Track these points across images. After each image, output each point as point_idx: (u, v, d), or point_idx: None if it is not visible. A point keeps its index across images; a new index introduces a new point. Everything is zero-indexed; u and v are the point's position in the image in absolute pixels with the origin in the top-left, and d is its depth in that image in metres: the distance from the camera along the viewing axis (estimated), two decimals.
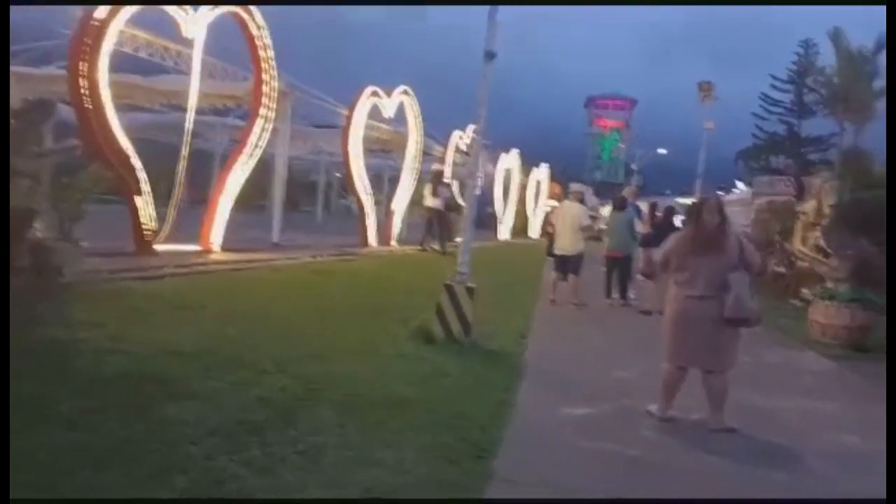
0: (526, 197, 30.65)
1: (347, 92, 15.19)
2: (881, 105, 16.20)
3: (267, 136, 10.71)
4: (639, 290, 10.80)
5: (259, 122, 10.55)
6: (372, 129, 16.20)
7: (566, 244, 10.68)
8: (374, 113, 15.41)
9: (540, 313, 9.58)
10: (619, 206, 11.15)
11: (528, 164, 31.85)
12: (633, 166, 44.96)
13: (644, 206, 12.03)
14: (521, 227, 30.49)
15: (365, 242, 15.29)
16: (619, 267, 10.79)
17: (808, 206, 11.99)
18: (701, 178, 23.74)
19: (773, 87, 34.06)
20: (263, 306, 7.00)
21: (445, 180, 15.90)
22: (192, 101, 10.02)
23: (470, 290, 6.53)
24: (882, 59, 15.87)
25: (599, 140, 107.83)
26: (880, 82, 15.83)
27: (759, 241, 16.27)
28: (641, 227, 10.90)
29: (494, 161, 26.20)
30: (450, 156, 18.75)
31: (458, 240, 20.85)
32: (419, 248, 15.21)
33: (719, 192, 35.90)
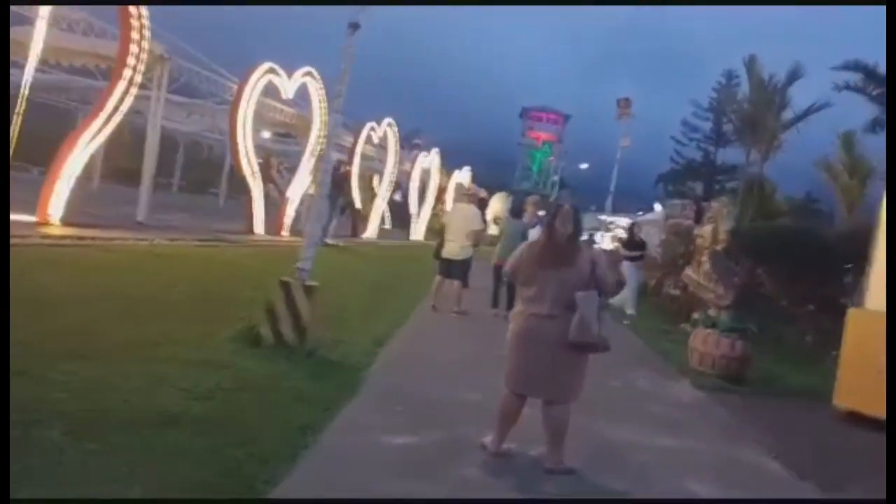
0: (444, 199, 30.05)
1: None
2: (786, 136, 16.46)
3: (130, 100, 9.60)
4: None
5: (121, 85, 9.44)
6: (272, 110, 15.22)
7: (454, 248, 10.05)
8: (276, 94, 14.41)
9: (414, 320, 8.88)
10: (516, 213, 10.59)
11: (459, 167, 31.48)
12: (555, 176, 45.18)
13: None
14: (440, 228, 29.67)
15: (250, 230, 14.23)
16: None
17: (706, 229, 11.74)
18: (612, 195, 23.76)
19: (695, 114, 34.63)
20: (57, 290, 5.97)
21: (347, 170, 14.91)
22: (35, 52, 8.83)
23: (309, 289, 5.73)
24: (793, 90, 16.16)
25: (531, 151, 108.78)
26: (788, 113, 16.11)
27: (665, 262, 16.22)
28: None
29: (414, 160, 25.48)
30: (359, 147, 17.92)
31: (366, 235, 20.41)
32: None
33: (639, 213, 36.49)
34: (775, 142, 16.11)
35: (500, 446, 4.40)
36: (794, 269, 12.59)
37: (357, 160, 17.67)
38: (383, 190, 20.30)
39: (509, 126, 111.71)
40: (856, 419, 6.81)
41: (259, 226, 14.38)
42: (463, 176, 31.20)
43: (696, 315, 8.83)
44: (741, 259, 14.23)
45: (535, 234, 10.42)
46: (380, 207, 20.24)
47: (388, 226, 25.78)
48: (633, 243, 14.38)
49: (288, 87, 14.06)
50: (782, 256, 12.27)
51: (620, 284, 4.61)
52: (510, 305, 10.17)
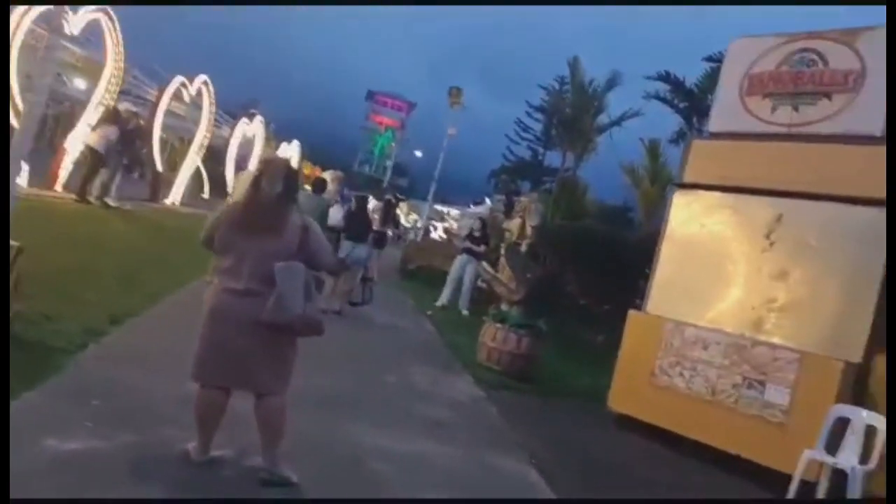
0: None
1: None
2: (601, 140, 17.01)
3: None
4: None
5: None
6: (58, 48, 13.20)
7: None
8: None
9: (187, 298, 7.76)
10: (316, 187, 9.73)
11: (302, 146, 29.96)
12: (388, 162, 44.59)
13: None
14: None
15: None
16: None
17: (514, 223, 11.64)
18: (436, 182, 23.66)
19: (528, 114, 35.45)
20: None
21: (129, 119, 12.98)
22: None
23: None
24: (612, 96, 16.67)
25: (373, 135, 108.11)
26: (604, 118, 16.65)
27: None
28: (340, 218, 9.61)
29: (234, 127, 23.73)
30: (163, 102, 16.11)
31: (168, 201, 18.58)
32: (76, 197, 11.99)
33: (470, 206, 36.90)
34: (590, 144, 16.58)
35: (206, 453, 3.60)
36: (596, 270, 12.86)
37: (160, 117, 15.89)
38: (192, 153, 18.55)
39: (354, 109, 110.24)
40: (628, 423, 6.74)
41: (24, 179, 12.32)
42: (291, 150, 29.66)
43: (492, 309, 8.53)
44: (549, 256, 14.43)
45: (336, 213, 9.71)
46: (186, 171, 18.48)
47: (206, 194, 23.77)
48: (477, 236, 13.67)
49: (74, 22, 12.16)
50: (585, 256, 12.46)
51: (342, 264, 3.96)
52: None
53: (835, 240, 6.10)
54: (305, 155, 34.52)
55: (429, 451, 4.71)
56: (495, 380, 7.42)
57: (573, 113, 16.47)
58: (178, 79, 16.79)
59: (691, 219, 7.10)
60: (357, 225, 9.06)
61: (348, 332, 8.17)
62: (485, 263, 8.45)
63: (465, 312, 12.03)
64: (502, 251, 8.19)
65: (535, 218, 11.39)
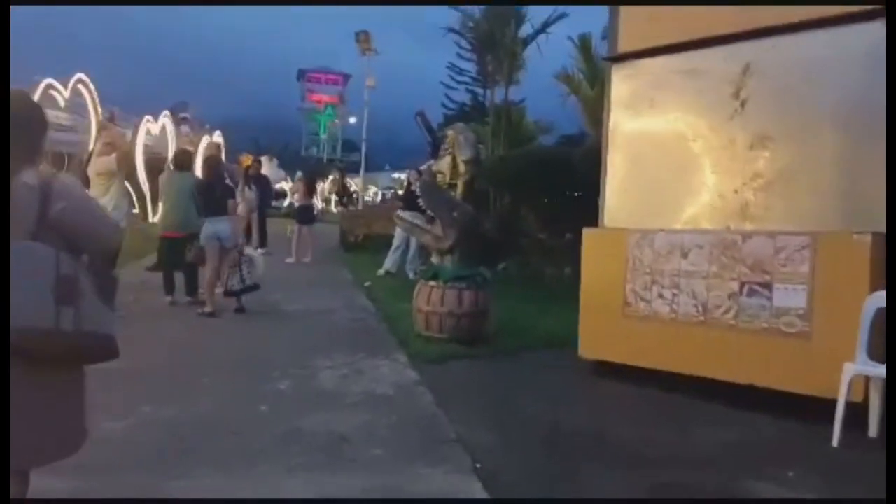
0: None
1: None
2: (528, 53, 15.25)
3: None
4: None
5: None
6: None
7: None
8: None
9: None
10: (181, 164, 8.00)
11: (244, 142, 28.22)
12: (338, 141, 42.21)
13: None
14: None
15: None
16: (181, 252, 7.66)
17: (443, 163, 10.00)
18: (365, 142, 21.82)
19: (459, 55, 33.41)
20: None
21: None
22: None
23: None
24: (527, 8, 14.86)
25: (314, 115, 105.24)
26: (526, 29, 14.86)
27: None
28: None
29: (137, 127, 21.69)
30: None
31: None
32: None
33: (422, 167, 35.01)
34: (516, 61, 14.85)
35: None
36: (548, 197, 11.33)
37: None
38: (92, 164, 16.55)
39: (289, 91, 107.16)
40: (606, 371, 5.26)
41: None
42: (216, 140, 27.47)
43: (418, 266, 6.96)
44: (496, 194, 12.84)
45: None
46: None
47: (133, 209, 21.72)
48: (410, 197, 12.06)
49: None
50: (533, 184, 10.90)
51: (117, 232, 2.31)
52: (191, 291, 7.72)
53: (824, 77, 4.57)
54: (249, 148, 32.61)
55: (326, 487, 3.15)
56: (437, 352, 5.87)
57: (492, 27, 14.69)
58: (46, 81, 14.70)
59: (636, 97, 5.54)
60: (208, 195, 7.28)
61: (236, 333, 6.58)
62: (403, 213, 6.84)
63: (412, 276, 10.44)
64: (417, 191, 6.55)
65: (467, 150, 9.75)
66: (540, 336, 6.65)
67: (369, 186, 51.23)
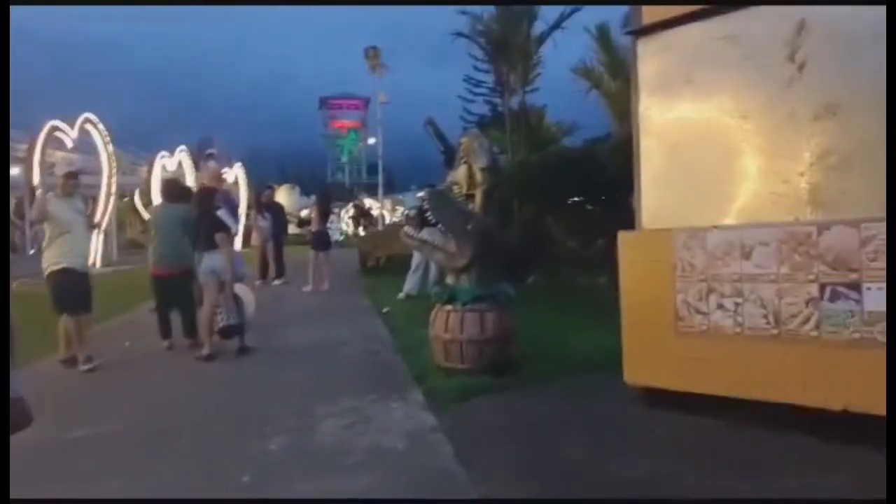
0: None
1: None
2: (544, 52, 14.41)
3: None
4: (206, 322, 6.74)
5: None
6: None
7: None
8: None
9: None
10: (170, 195, 7.35)
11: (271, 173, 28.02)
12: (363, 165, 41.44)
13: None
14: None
15: None
16: (175, 290, 7.00)
17: (459, 173, 9.23)
18: (382, 159, 21.11)
19: (475, 67, 32.72)
20: None
21: None
22: None
23: None
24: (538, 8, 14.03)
25: (337, 141, 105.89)
26: (540, 26, 14.02)
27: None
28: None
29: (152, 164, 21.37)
30: (37, 154, 13.72)
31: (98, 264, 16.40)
32: None
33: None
34: (531, 61, 14.03)
35: None
36: (574, 202, 10.49)
37: (37, 172, 13.46)
38: (108, 206, 16.17)
39: (312, 119, 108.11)
40: (656, 402, 4.41)
41: None
42: (235, 173, 27.01)
43: (432, 288, 6.20)
44: (518, 203, 12.02)
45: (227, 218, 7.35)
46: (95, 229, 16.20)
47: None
48: (423, 214, 11.28)
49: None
50: (557, 189, 10.08)
51: None
52: (189, 332, 7.03)
53: None
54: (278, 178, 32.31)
55: None
56: (458, 387, 5.07)
57: (503, 29, 13.90)
58: (51, 123, 14.35)
59: (670, 75, 4.70)
60: (201, 229, 6.63)
61: (231, 380, 5.86)
62: (409, 229, 6.08)
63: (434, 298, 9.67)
64: (424, 203, 5.79)
65: (482, 158, 8.97)
66: (576, 359, 5.81)
67: (397, 207, 50.75)
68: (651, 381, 4.49)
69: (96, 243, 16.23)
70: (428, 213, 5.77)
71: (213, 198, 6.72)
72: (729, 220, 4.25)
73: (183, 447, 4.06)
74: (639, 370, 4.53)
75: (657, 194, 4.76)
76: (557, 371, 5.50)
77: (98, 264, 16.17)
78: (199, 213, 6.74)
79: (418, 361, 5.95)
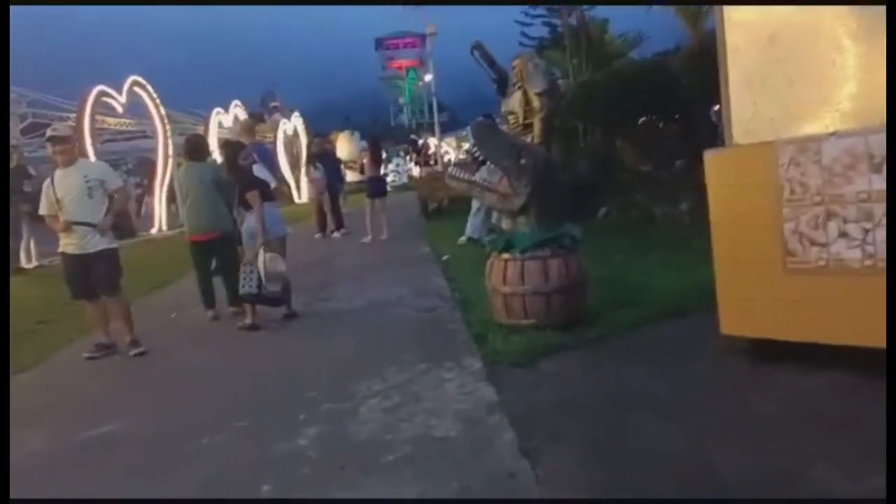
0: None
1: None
2: None
3: None
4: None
5: None
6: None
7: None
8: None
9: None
10: (195, 152, 6.77)
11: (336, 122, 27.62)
12: (431, 101, 40.06)
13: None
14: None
15: None
16: (214, 255, 6.51)
17: (514, 101, 8.30)
18: (435, 95, 20.06)
19: None
20: None
21: None
22: None
23: None
24: None
25: (397, 82, 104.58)
26: None
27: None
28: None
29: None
30: (86, 118, 13.57)
31: (153, 230, 16.46)
32: None
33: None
34: None
35: None
36: (646, 120, 9.43)
37: (88, 143, 13.32)
38: (167, 169, 16.06)
39: (371, 63, 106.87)
40: (764, 355, 3.59)
41: None
42: (292, 124, 26.54)
43: (485, 236, 5.46)
44: (585, 129, 11.00)
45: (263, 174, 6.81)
46: (158, 191, 16.13)
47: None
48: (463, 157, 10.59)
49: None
50: (626, 108, 9.03)
51: None
52: (234, 301, 6.56)
53: None
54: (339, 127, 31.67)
55: None
56: (523, 347, 4.38)
57: None
58: (98, 88, 14.10)
59: None
60: (232, 189, 6.05)
61: (272, 354, 5.33)
62: (453, 170, 5.32)
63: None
64: (469, 134, 5.01)
65: (538, 81, 8.00)
66: (660, 303, 5.00)
67: (462, 144, 49.58)
68: (756, 331, 3.66)
69: (159, 207, 16.21)
70: (475, 150, 5.00)
71: (237, 153, 6.11)
72: (848, 125, 3.30)
73: (201, 448, 3.54)
74: (739, 319, 3.71)
75: (750, 101, 3.81)
76: (638, 320, 4.72)
77: (164, 228, 16.18)
78: (231, 171, 6.17)
79: (478, 318, 5.27)
